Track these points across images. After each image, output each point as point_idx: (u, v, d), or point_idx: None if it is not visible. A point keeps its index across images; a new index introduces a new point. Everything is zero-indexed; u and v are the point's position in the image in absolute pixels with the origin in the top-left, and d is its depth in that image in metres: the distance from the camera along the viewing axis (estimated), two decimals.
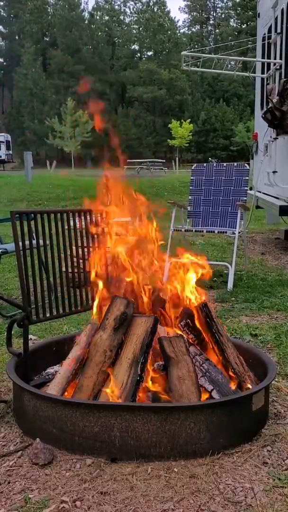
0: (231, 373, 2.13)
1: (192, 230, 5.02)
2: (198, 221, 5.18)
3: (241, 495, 1.61)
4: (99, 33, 60.37)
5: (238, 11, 63.43)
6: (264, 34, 7.46)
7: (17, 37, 62.12)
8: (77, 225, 2.57)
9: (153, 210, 2.42)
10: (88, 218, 2.62)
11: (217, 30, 65.82)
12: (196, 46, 53.41)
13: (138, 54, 62.99)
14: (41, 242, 2.47)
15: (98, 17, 62.87)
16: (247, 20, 60.25)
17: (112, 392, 1.95)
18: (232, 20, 65.42)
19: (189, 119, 42.07)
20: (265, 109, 6.49)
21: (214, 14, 68.68)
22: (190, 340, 2.16)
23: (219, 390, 2.02)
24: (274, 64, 6.51)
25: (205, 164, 5.45)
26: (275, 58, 6.60)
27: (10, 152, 37.81)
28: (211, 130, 52.52)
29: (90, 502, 1.58)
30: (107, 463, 1.79)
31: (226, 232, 4.87)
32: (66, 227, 2.50)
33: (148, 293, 2.26)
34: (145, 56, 62.48)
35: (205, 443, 1.82)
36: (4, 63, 63.57)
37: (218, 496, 1.60)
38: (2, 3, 62.79)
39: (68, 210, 2.56)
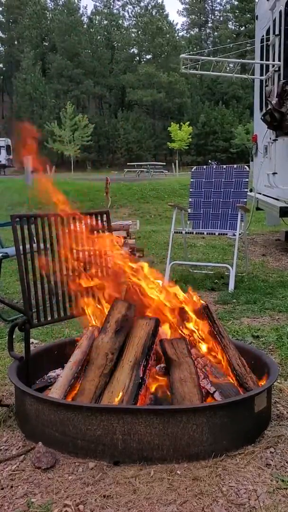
0: (233, 375, 2.13)
1: (192, 232, 5.03)
2: (198, 223, 5.18)
3: (245, 497, 1.60)
4: (98, 37, 60.58)
5: (236, 14, 63.62)
6: (263, 36, 7.49)
7: (16, 42, 62.35)
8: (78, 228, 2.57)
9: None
10: (89, 221, 2.62)
11: (216, 33, 66.04)
12: (194, 49, 53.62)
13: (137, 58, 63.19)
14: (41, 245, 2.46)
15: (96, 22, 63.13)
16: (245, 23, 60.39)
17: (114, 395, 1.95)
18: (231, 22, 65.66)
19: (189, 122, 42.16)
20: (264, 111, 6.51)
21: (213, 17, 69.00)
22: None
23: (221, 392, 2.01)
24: (273, 66, 6.52)
25: (205, 167, 5.45)
26: (273, 60, 6.62)
27: (11, 156, 37.82)
28: (210, 132, 52.60)
29: (93, 506, 1.58)
30: (110, 466, 1.78)
31: (226, 234, 4.87)
32: (67, 230, 2.50)
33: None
34: (144, 59, 62.69)
35: (207, 445, 1.82)
36: (4, 69, 63.78)
37: (221, 498, 1.60)
38: (0, 9, 63.08)
39: (68, 213, 2.56)
